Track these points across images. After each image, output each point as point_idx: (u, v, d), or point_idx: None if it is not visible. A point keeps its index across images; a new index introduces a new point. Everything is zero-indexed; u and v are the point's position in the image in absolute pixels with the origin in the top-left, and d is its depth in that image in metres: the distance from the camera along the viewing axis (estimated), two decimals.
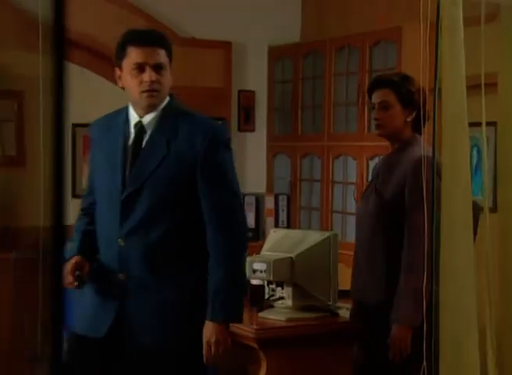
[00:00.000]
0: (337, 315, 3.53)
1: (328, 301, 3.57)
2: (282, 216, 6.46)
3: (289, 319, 3.49)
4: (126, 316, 2.81)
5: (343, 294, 3.59)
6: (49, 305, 1.25)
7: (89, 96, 5.78)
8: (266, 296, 3.68)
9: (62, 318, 1.25)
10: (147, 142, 2.84)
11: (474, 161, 4.62)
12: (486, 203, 2.23)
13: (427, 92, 3.06)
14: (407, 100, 3.24)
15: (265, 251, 3.70)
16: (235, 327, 3.51)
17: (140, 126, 2.85)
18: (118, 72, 2.87)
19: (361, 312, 3.35)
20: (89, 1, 5.90)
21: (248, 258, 3.80)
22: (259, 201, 6.49)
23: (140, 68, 2.79)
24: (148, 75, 2.78)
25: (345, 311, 3.56)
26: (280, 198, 6.48)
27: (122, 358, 2.84)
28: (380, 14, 5.89)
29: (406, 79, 3.32)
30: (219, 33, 6.41)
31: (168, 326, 2.84)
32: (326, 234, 3.61)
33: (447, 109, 2.04)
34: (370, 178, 3.47)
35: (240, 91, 6.61)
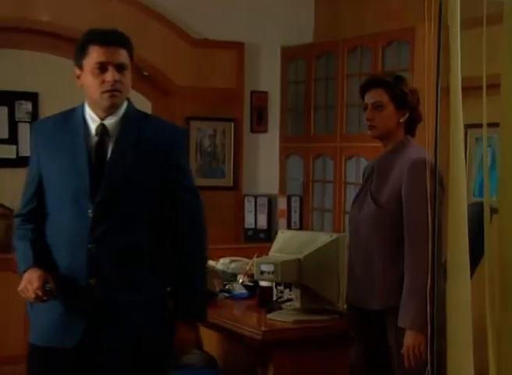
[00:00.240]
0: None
1: (336, 303, 3.55)
2: (295, 217, 6.45)
3: (296, 321, 3.47)
4: (97, 322, 2.74)
5: None
6: None
7: None
8: (274, 298, 3.67)
9: None
10: (114, 147, 2.78)
11: (489, 161, 4.59)
12: (486, 202, 2.20)
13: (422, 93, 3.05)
14: (401, 101, 3.19)
15: (273, 252, 3.69)
16: (243, 329, 3.51)
17: (102, 129, 2.79)
18: (77, 71, 2.81)
19: (358, 319, 3.27)
20: (99, 2, 5.92)
21: (256, 260, 3.80)
22: (271, 202, 6.48)
23: (103, 67, 2.73)
24: (111, 75, 2.72)
25: None
26: (293, 199, 6.47)
27: (93, 366, 2.77)
28: (393, 14, 5.87)
29: (399, 79, 3.27)
30: (232, 34, 6.41)
31: (141, 330, 2.79)
32: (334, 236, 3.59)
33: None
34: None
35: (252, 92, 6.60)
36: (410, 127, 3.24)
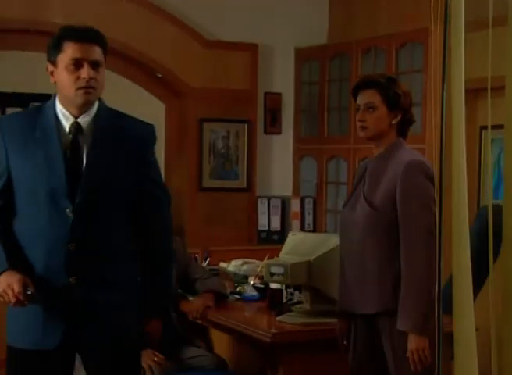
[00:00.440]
0: None
1: None
2: (308, 219, 6.43)
3: (305, 324, 3.46)
4: (77, 322, 2.73)
5: None
6: None
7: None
8: (284, 300, 3.66)
9: None
10: (91, 147, 2.76)
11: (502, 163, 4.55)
12: (489, 206, 2.18)
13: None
14: (393, 102, 3.16)
15: (284, 254, 3.68)
16: (252, 331, 3.50)
17: (76, 128, 2.77)
18: (50, 67, 2.79)
19: (349, 325, 3.24)
20: (112, 4, 5.93)
21: (266, 262, 3.80)
22: (285, 204, 6.47)
23: (77, 64, 2.71)
24: (86, 71, 2.70)
25: None
26: (306, 200, 6.46)
27: (74, 367, 2.79)
28: (407, 15, 5.84)
29: (392, 81, 3.24)
30: (246, 36, 6.40)
31: (120, 328, 2.80)
32: None
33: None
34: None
35: (266, 93, 6.58)
36: (403, 129, 3.22)
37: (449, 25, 2.06)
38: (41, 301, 2.70)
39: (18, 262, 2.73)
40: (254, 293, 4.12)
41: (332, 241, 3.59)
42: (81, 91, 2.72)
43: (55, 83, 2.78)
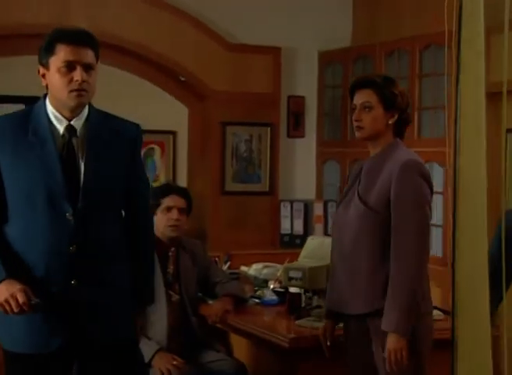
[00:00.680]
0: None
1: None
2: (331, 222, 6.39)
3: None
4: (77, 324, 2.74)
5: None
6: None
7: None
8: (303, 304, 3.64)
9: None
10: (87, 149, 2.76)
11: None
12: (503, 212, 2.15)
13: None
14: (390, 102, 3.11)
15: (302, 258, 3.66)
16: (271, 336, 3.48)
17: (71, 130, 2.76)
18: (42, 70, 2.77)
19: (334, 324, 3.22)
20: (135, 7, 5.95)
21: (284, 266, 3.77)
22: (308, 207, 6.44)
23: (70, 66, 2.70)
24: (79, 74, 2.69)
25: None
26: (329, 204, 6.42)
27: (73, 368, 2.79)
28: (431, 18, 5.78)
29: (389, 80, 3.20)
30: (269, 39, 6.39)
31: (118, 329, 2.81)
32: None
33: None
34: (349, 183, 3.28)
35: (289, 97, 6.58)
36: (399, 130, 3.18)
37: (467, 28, 2.03)
38: (45, 308, 2.69)
39: (14, 269, 2.71)
40: (274, 297, 4.10)
41: None
42: (74, 94, 2.71)
43: (47, 85, 2.77)
